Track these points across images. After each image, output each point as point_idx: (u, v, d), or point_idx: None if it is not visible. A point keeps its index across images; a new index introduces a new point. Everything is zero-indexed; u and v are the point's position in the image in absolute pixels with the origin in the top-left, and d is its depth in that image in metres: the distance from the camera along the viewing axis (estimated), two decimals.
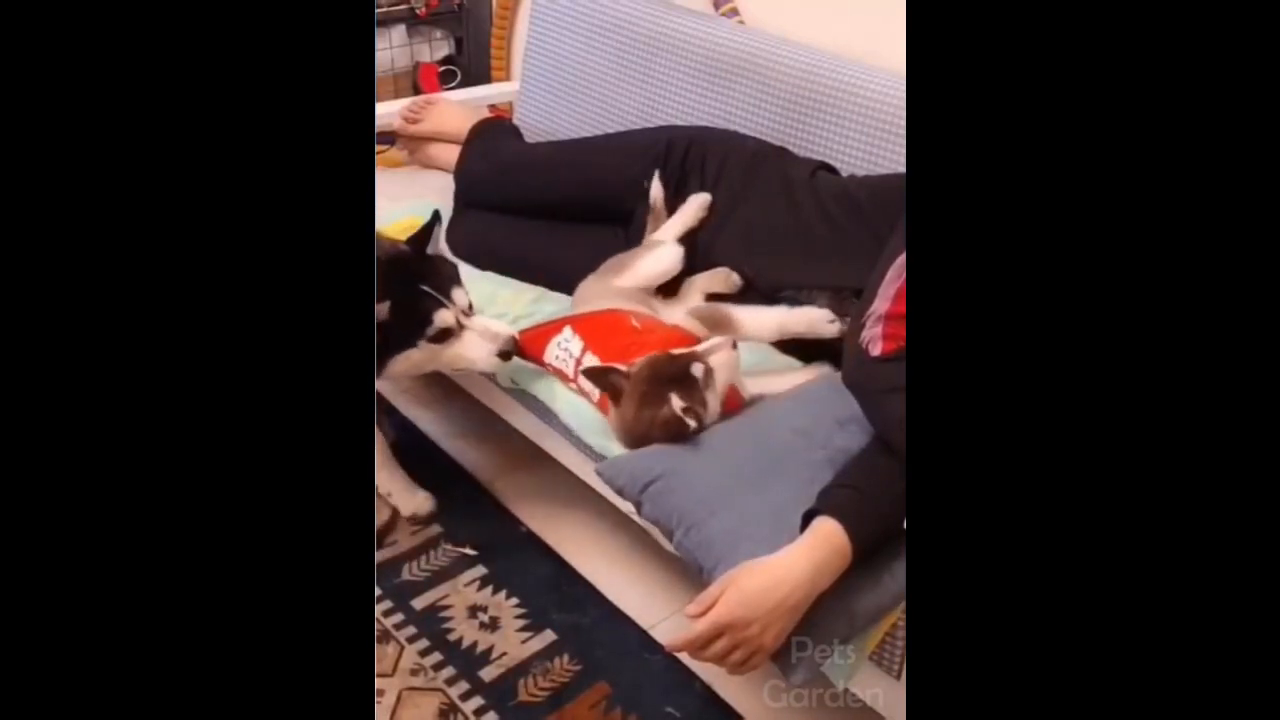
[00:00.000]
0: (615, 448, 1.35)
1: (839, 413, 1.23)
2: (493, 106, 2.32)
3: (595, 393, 1.37)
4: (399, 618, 1.52)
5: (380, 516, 1.68)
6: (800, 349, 1.47)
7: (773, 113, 1.74)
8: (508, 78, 2.47)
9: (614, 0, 2.00)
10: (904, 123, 1.54)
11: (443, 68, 2.58)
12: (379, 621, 1.51)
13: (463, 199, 1.85)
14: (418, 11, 2.51)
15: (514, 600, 1.56)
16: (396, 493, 1.70)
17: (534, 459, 1.68)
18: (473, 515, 1.73)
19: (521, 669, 1.45)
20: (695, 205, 1.57)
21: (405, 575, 1.60)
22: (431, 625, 1.51)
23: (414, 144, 2.15)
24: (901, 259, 1.17)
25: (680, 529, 1.18)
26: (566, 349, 1.42)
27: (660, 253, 1.53)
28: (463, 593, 1.58)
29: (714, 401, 1.29)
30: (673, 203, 1.60)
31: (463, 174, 1.87)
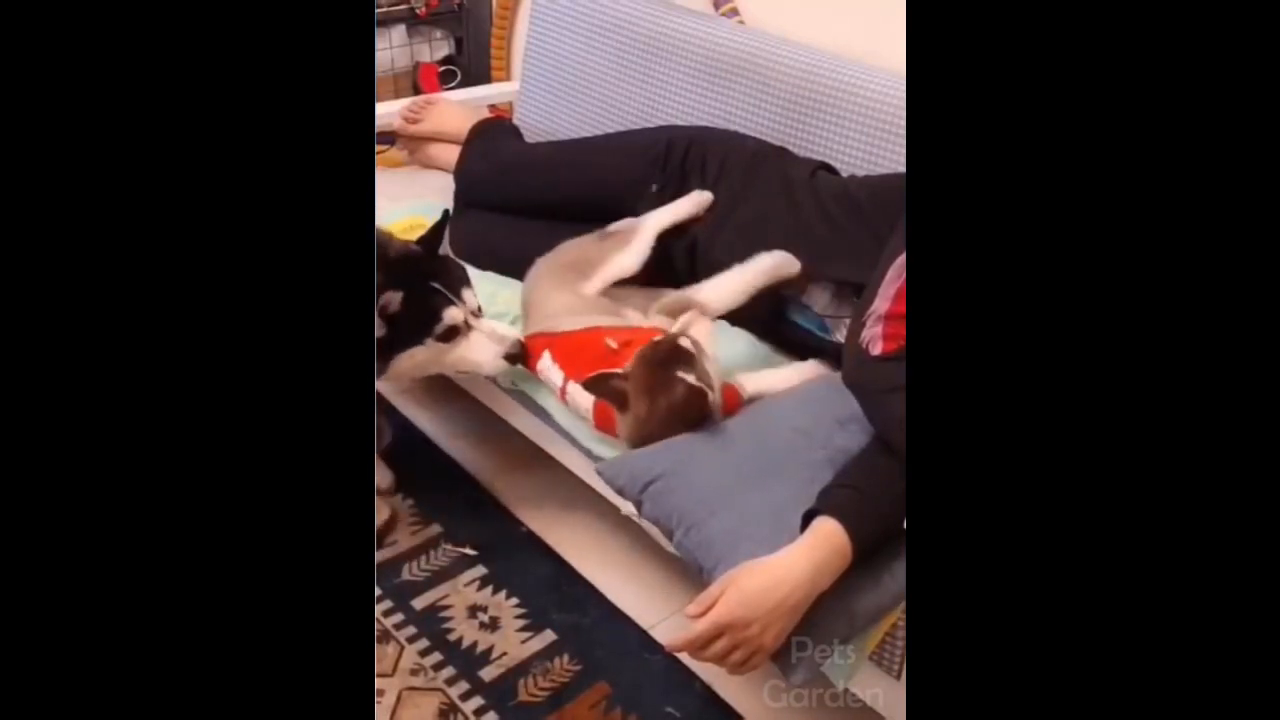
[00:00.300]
0: (614, 448, 1.35)
1: (839, 413, 1.23)
2: (493, 106, 2.32)
3: (589, 410, 1.37)
4: (399, 618, 1.52)
5: (380, 516, 1.68)
6: (798, 347, 1.48)
7: (773, 113, 1.74)
8: (508, 78, 2.47)
9: (614, 0, 2.00)
10: (904, 123, 1.54)
11: (443, 68, 2.58)
12: (379, 621, 1.51)
13: (463, 199, 1.85)
14: (418, 11, 2.51)
15: (514, 600, 1.56)
16: None
17: (534, 459, 1.67)
18: (473, 515, 1.73)
19: (521, 669, 1.45)
20: (691, 200, 1.56)
21: (405, 575, 1.60)
22: (431, 625, 1.51)
23: (414, 144, 2.15)
24: (901, 259, 1.17)
25: (680, 529, 1.18)
26: (549, 377, 1.43)
27: (623, 257, 1.52)
28: (463, 593, 1.58)
29: (713, 369, 1.29)
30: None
31: (463, 174, 1.87)
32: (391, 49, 2.52)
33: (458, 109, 2.11)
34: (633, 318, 1.48)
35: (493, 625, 1.52)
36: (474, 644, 1.49)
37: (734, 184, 1.58)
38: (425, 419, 1.97)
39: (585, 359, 1.36)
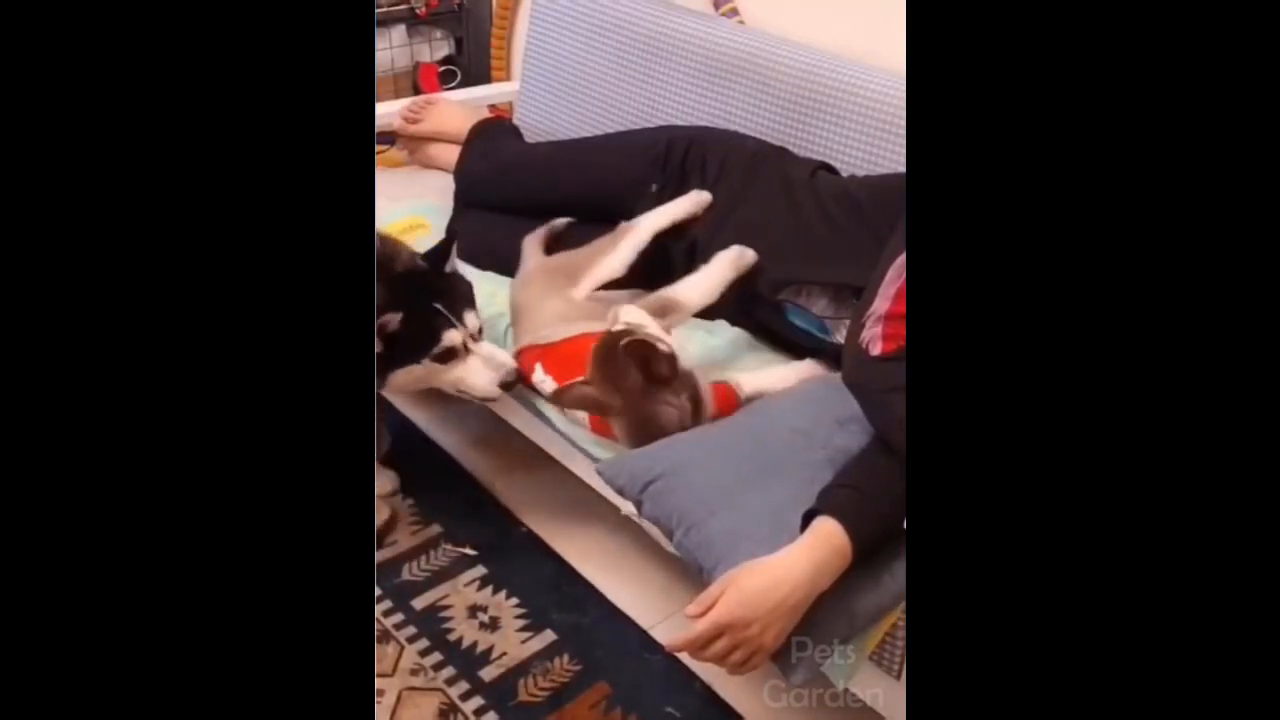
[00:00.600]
0: (613, 449, 1.35)
1: (839, 413, 1.23)
2: (493, 106, 2.32)
3: (585, 416, 1.37)
4: (399, 618, 1.52)
5: (380, 516, 1.68)
6: (797, 347, 1.48)
7: (773, 113, 1.74)
8: (508, 78, 2.47)
9: (614, 0, 2.00)
10: (904, 123, 1.54)
11: (443, 68, 2.58)
12: (379, 621, 1.51)
13: (463, 199, 1.85)
14: (418, 11, 2.51)
15: (514, 600, 1.56)
16: None
17: (534, 459, 1.67)
18: (473, 516, 1.73)
19: (521, 669, 1.45)
20: (689, 200, 1.56)
21: (405, 575, 1.60)
22: (431, 625, 1.52)
23: (414, 144, 2.15)
24: (901, 259, 1.17)
25: (680, 529, 1.18)
26: (543, 389, 1.43)
27: (610, 259, 1.53)
28: (463, 593, 1.58)
29: (661, 330, 1.31)
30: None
31: (463, 174, 1.87)
32: (391, 49, 2.52)
33: (458, 109, 2.11)
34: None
35: (493, 625, 1.52)
36: (474, 644, 1.49)
37: (734, 184, 1.58)
38: (425, 419, 1.97)
39: (575, 367, 1.35)
